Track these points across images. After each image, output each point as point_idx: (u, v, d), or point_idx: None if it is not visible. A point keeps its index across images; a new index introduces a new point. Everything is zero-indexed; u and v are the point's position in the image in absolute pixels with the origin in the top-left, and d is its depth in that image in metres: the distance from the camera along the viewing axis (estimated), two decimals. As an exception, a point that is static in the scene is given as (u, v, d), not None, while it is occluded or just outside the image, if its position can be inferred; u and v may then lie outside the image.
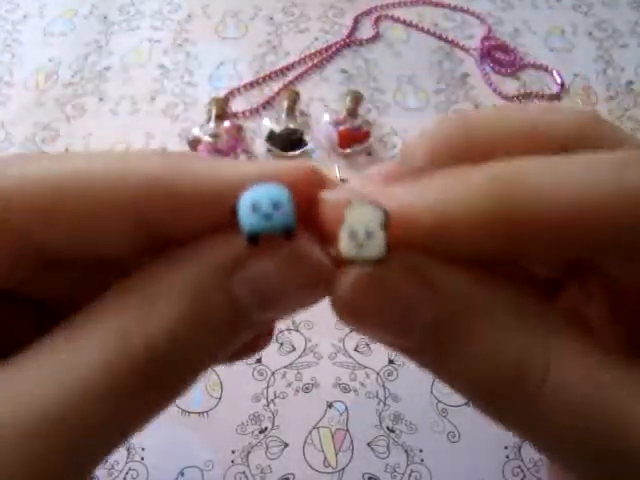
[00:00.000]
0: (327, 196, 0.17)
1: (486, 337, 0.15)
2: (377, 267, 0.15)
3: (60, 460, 0.15)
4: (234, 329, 0.17)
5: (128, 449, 0.36)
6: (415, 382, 0.38)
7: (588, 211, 0.14)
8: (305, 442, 0.36)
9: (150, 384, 0.16)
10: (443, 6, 0.63)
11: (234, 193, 0.15)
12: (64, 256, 0.17)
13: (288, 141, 0.50)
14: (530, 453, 0.36)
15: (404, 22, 0.61)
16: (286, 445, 0.36)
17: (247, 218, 0.15)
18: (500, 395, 0.15)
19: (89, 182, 0.16)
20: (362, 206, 0.15)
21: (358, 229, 0.15)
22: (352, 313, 0.16)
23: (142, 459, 0.35)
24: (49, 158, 0.17)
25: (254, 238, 0.15)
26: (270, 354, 0.39)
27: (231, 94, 0.55)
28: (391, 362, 0.39)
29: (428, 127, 0.18)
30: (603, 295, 0.21)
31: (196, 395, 0.38)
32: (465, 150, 0.17)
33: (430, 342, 0.16)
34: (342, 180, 0.48)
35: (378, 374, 0.39)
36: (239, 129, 0.51)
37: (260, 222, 0.15)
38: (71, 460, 0.15)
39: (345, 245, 0.15)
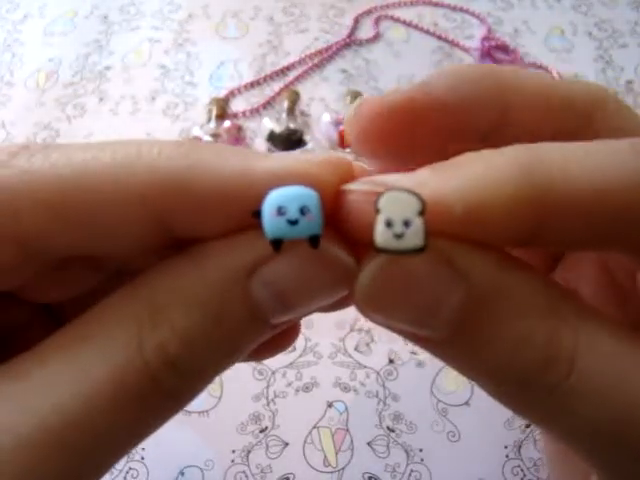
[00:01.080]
0: (353, 187, 0.16)
1: (516, 321, 0.15)
2: (415, 257, 0.14)
3: (59, 471, 0.14)
4: (251, 333, 0.16)
5: (128, 448, 0.36)
6: (415, 382, 0.38)
7: (613, 193, 0.14)
8: (305, 441, 0.36)
9: (163, 391, 0.15)
10: (443, 6, 0.63)
11: (258, 193, 0.14)
12: (71, 254, 0.16)
13: (288, 141, 0.50)
14: (530, 452, 0.36)
15: (404, 22, 0.61)
16: (286, 444, 0.36)
17: (272, 223, 0.14)
18: (528, 382, 0.15)
19: (96, 176, 0.15)
20: (398, 194, 0.14)
21: (395, 218, 0.14)
22: (376, 304, 0.16)
23: (142, 458, 0.36)
24: (56, 149, 0.16)
25: (277, 243, 0.14)
26: (270, 354, 0.39)
27: (231, 94, 0.55)
28: (391, 362, 0.39)
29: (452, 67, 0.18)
30: (599, 274, 0.22)
31: (196, 394, 0.38)
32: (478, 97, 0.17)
33: (459, 331, 0.15)
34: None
35: (378, 374, 0.39)
36: (239, 129, 0.51)
37: (285, 228, 0.14)
38: (71, 471, 0.14)
39: (381, 236, 0.14)
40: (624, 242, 0.15)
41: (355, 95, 0.52)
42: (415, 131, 0.17)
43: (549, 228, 0.15)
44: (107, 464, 0.16)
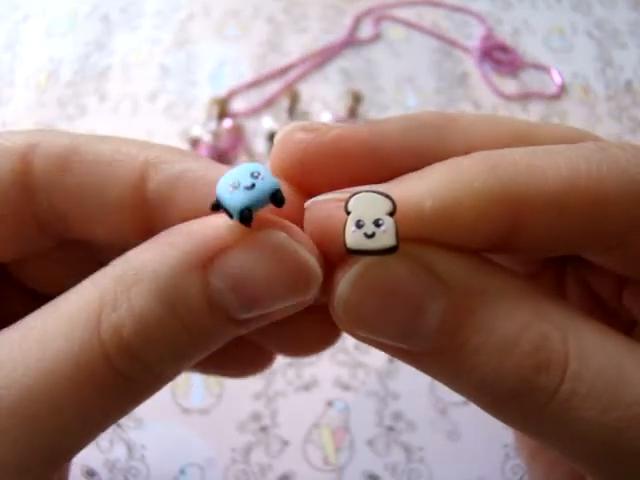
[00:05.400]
0: (320, 198, 0.16)
1: (502, 327, 0.14)
2: (387, 257, 0.14)
3: (21, 441, 0.14)
4: (212, 327, 0.16)
5: (129, 447, 0.36)
6: (415, 380, 0.38)
7: (581, 186, 0.14)
8: (305, 440, 0.36)
9: (118, 373, 0.15)
10: (443, 6, 0.63)
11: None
12: (68, 232, 0.18)
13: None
14: (529, 451, 0.36)
15: (404, 22, 0.61)
16: (286, 443, 0.36)
17: (230, 197, 0.14)
18: (522, 390, 0.14)
19: (96, 152, 0.17)
20: (368, 195, 0.14)
21: (365, 218, 0.14)
22: (357, 316, 0.15)
23: (143, 457, 0.36)
24: (63, 133, 0.18)
25: (245, 216, 0.14)
26: (270, 353, 0.39)
27: (231, 94, 0.55)
28: (391, 360, 0.39)
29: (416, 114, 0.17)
30: (583, 296, 0.21)
31: (197, 393, 0.38)
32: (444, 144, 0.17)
33: (443, 340, 0.15)
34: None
35: (378, 372, 0.39)
36: (239, 129, 0.51)
37: (244, 195, 0.14)
38: (33, 444, 0.14)
39: (352, 236, 0.14)
40: (593, 237, 0.15)
41: (355, 95, 0.53)
42: (349, 170, 0.17)
43: (523, 226, 0.15)
44: (70, 443, 0.15)
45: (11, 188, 0.18)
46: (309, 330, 0.21)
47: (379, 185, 0.16)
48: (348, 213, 0.14)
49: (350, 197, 0.14)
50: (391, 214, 0.14)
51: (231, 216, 0.14)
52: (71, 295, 0.16)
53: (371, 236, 0.14)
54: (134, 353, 0.15)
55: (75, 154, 0.17)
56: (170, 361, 0.16)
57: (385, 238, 0.14)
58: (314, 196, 0.17)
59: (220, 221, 0.15)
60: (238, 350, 0.23)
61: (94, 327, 0.15)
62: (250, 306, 0.16)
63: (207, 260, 0.15)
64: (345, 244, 0.14)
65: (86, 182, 0.17)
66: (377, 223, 0.14)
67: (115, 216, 0.17)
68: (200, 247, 0.15)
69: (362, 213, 0.14)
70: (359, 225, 0.14)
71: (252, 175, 0.14)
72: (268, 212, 0.15)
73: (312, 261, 0.15)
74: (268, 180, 0.14)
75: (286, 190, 0.16)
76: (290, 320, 0.21)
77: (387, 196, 0.14)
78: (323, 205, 0.16)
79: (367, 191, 0.14)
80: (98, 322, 0.15)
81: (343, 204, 0.14)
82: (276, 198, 0.14)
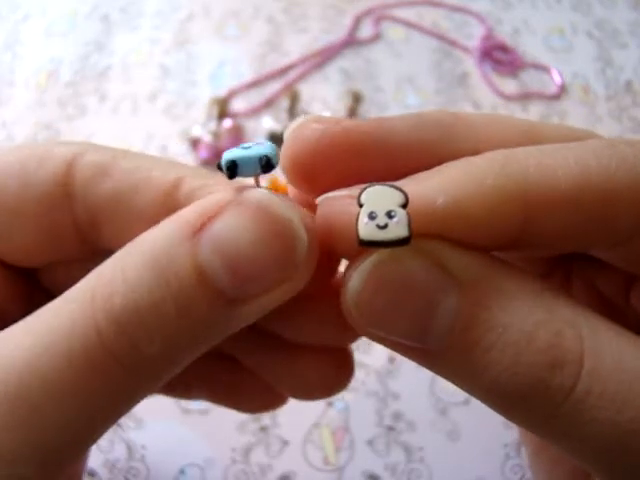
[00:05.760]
0: (331, 194, 0.16)
1: (515, 325, 0.14)
2: (399, 251, 0.14)
3: (16, 423, 0.14)
4: (204, 305, 0.15)
5: (129, 447, 0.36)
6: (415, 380, 0.38)
7: (592, 183, 0.14)
8: (305, 440, 0.36)
9: (110, 355, 0.14)
10: (443, 6, 0.63)
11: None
12: (95, 239, 0.19)
13: (288, 141, 0.50)
14: (529, 451, 0.36)
15: (404, 22, 0.61)
16: (286, 443, 0.36)
17: (229, 151, 0.16)
18: (537, 390, 0.14)
19: (136, 162, 0.19)
20: (380, 188, 0.14)
21: (377, 210, 0.14)
22: (368, 312, 0.15)
23: (143, 457, 0.36)
24: (107, 147, 0.20)
25: (229, 167, 0.16)
26: (270, 353, 0.39)
27: (231, 94, 0.55)
28: (391, 360, 0.39)
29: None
30: (589, 295, 0.21)
31: (197, 393, 0.38)
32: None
33: (455, 337, 0.15)
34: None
35: (378, 372, 0.39)
36: (239, 129, 0.51)
37: (238, 152, 0.16)
38: (29, 421, 0.14)
39: (364, 227, 0.14)
40: (603, 233, 0.15)
41: (355, 95, 0.53)
42: (359, 165, 0.17)
43: (534, 223, 0.15)
44: (70, 428, 0.15)
45: (52, 193, 0.18)
46: (319, 374, 0.22)
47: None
48: (361, 206, 0.14)
49: (362, 190, 0.14)
50: (403, 206, 0.14)
51: (223, 171, 0.16)
52: (74, 286, 0.16)
53: (384, 227, 0.14)
54: (123, 327, 0.14)
55: (115, 163, 0.19)
56: (160, 343, 0.15)
57: (398, 229, 0.14)
58: (323, 192, 0.17)
59: (213, 196, 0.16)
60: (251, 388, 0.24)
61: (88, 300, 0.15)
62: (241, 281, 0.15)
63: (196, 229, 0.15)
64: (358, 235, 0.14)
65: (122, 187, 0.18)
66: (390, 214, 0.14)
67: (146, 224, 0.17)
68: (189, 217, 0.15)
69: (374, 205, 0.14)
70: (372, 217, 0.14)
71: (256, 143, 0.16)
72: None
73: (296, 222, 0.15)
74: (264, 146, 0.16)
75: (292, 180, 0.17)
76: (300, 362, 0.21)
77: (399, 189, 0.14)
78: (335, 201, 0.16)
79: (379, 184, 0.14)
80: (92, 295, 0.15)
81: (355, 200, 0.14)
82: (263, 162, 0.16)
